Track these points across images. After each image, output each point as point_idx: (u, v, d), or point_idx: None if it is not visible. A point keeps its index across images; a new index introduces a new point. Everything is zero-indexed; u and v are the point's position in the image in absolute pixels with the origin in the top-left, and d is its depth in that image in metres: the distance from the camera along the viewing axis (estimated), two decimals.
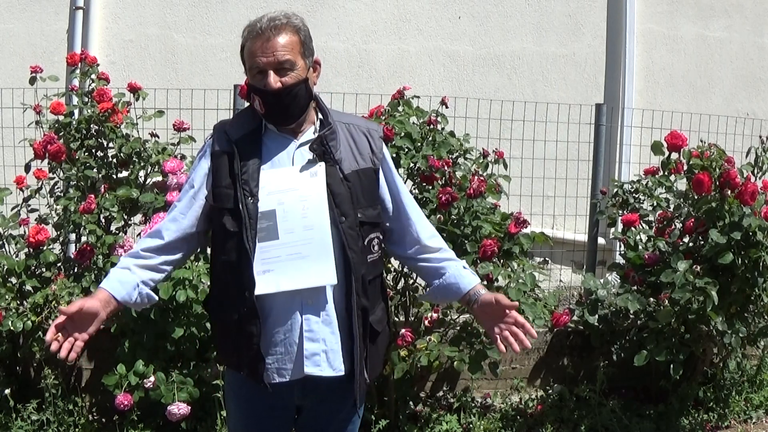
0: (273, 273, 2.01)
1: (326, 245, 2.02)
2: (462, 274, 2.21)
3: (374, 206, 2.15)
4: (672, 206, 4.28)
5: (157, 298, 2.16)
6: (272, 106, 2.05)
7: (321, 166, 2.06)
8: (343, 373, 2.09)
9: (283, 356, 2.06)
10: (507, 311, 2.12)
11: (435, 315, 3.65)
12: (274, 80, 2.01)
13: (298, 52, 2.04)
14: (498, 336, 2.12)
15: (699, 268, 3.71)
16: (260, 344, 2.04)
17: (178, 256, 2.14)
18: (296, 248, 2.02)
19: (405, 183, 3.95)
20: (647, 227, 4.31)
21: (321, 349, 2.06)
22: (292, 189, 2.05)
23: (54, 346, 1.95)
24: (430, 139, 3.96)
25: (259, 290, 2.00)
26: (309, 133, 2.12)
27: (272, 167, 2.08)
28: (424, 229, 2.25)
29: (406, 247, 2.24)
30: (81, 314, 1.97)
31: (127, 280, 2.06)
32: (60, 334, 1.96)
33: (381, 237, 2.17)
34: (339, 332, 2.07)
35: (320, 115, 2.15)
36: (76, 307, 1.96)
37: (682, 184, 4.20)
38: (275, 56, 2.00)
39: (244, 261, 2.02)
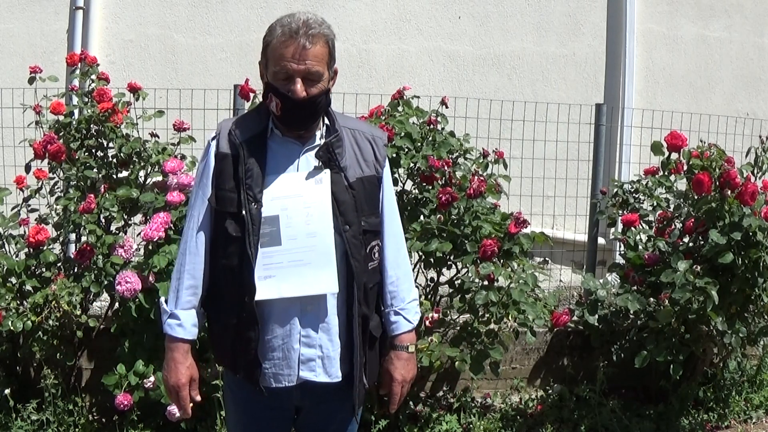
0: (274, 279, 2.00)
1: (329, 253, 2.01)
2: (392, 320, 2.21)
3: (376, 214, 2.14)
4: (672, 206, 4.28)
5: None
6: (292, 113, 2.02)
7: (326, 174, 2.05)
8: (339, 379, 2.09)
9: (280, 362, 2.06)
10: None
11: (435, 315, 3.65)
12: (300, 89, 1.97)
13: (326, 63, 2.02)
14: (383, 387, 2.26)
15: (699, 268, 3.71)
16: (258, 349, 2.03)
17: (209, 271, 2.14)
18: (298, 255, 2.00)
19: (405, 182, 3.97)
20: (647, 227, 4.31)
21: (317, 355, 2.05)
22: (296, 195, 2.03)
23: (185, 414, 2.08)
24: (430, 139, 3.96)
25: (259, 296, 1.99)
26: (315, 138, 2.11)
27: (277, 172, 2.06)
28: (388, 253, 2.20)
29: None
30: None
31: (197, 319, 2.10)
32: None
33: (380, 244, 2.16)
34: (338, 339, 2.07)
35: (327, 121, 2.13)
36: (186, 379, 2.07)
37: (682, 184, 4.20)
38: (307, 66, 1.97)
39: (245, 266, 2.00)
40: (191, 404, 2.10)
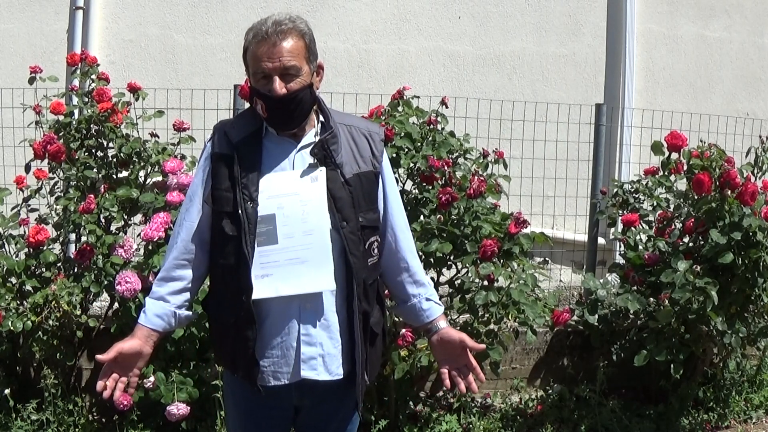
0: (271, 278, 2.00)
1: (326, 251, 2.01)
2: (424, 307, 2.22)
3: (374, 209, 2.14)
4: (672, 206, 4.28)
5: (191, 313, 2.17)
6: (276, 111, 2.02)
7: (322, 171, 2.05)
8: (341, 377, 2.08)
9: (278, 360, 2.05)
10: (463, 352, 2.17)
11: None
12: (279, 86, 1.98)
13: (304, 57, 2.02)
14: (446, 374, 2.19)
15: (699, 268, 3.71)
16: (255, 348, 2.03)
17: (203, 269, 2.14)
18: (295, 253, 2.00)
19: (405, 182, 3.97)
20: (647, 227, 4.31)
21: (318, 353, 2.05)
22: (292, 193, 2.03)
23: (106, 394, 2.00)
24: (430, 139, 3.96)
25: (257, 295, 1.99)
26: (310, 136, 2.11)
27: (272, 171, 2.06)
28: (404, 245, 2.22)
29: (382, 259, 2.21)
30: (123, 357, 2.01)
31: (164, 311, 2.08)
32: (110, 379, 2.01)
33: (380, 240, 2.17)
34: (339, 336, 2.07)
35: (321, 118, 2.13)
36: (113, 353, 1.99)
37: (682, 184, 4.20)
38: (281, 62, 1.98)
39: (242, 265, 2.00)
40: (113, 384, 2.01)
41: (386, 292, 2.30)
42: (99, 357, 1.98)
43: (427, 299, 2.23)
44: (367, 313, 2.11)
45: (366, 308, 2.10)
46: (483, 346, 2.25)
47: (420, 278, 2.24)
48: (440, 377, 2.21)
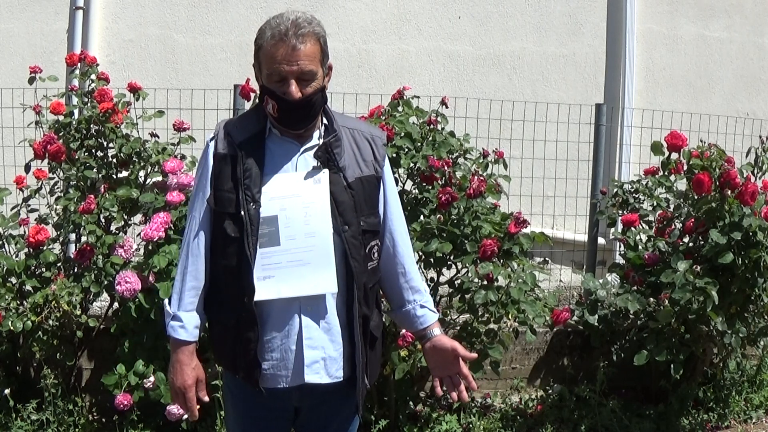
0: (273, 279, 1.99)
1: (328, 253, 2.00)
2: (418, 314, 2.22)
3: (375, 214, 2.14)
4: (672, 206, 4.28)
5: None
6: (289, 114, 2.02)
7: (325, 174, 2.04)
8: (341, 379, 2.08)
9: (279, 362, 2.05)
10: (455, 360, 2.17)
11: None
12: (295, 90, 1.97)
13: (319, 60, 2.01)
14: (438, 382, 2.20)
15: (699, 268, 3.71)
16: (257, 350, 2.03)
17: (209, 271, 2.13)
18: (298, 255, 2.00)
19: (405, 182, 3.97)
20: (647, 227, 4.31)
21: (320, 356, 2.05)
22: (295, 195, 2.02)
23: (192, 417, 2.10)
24: (430, 139, 3.96)
25: (258, 296, 1.99)
26: (313, 138, 2.10)
27: (275, 172, 2.05)
28: (402, 250, 2.21)
29: (380, 263, 2.20)
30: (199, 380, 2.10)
31: (199, 322, 2.10)
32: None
33: (380, 244, 2.16)
34: (340, 339, 2.06)
35: (325, 120, 2.12)
36: (193, 380, 2.07)
37: (682, 184, 4.20)
38: (299, 66, 1.96)
39: (244, 266, 2.00)
40: (198, 405, 2.10)
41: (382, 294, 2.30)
42: (203, 398, 2.09)
43: (422, 306, 2.22)
44: (367, 317, 2.11)
45: (366, 312, 2.10)
46: (475, 355, 2.26)
47: (416, 284, 2.23)
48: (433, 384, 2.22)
